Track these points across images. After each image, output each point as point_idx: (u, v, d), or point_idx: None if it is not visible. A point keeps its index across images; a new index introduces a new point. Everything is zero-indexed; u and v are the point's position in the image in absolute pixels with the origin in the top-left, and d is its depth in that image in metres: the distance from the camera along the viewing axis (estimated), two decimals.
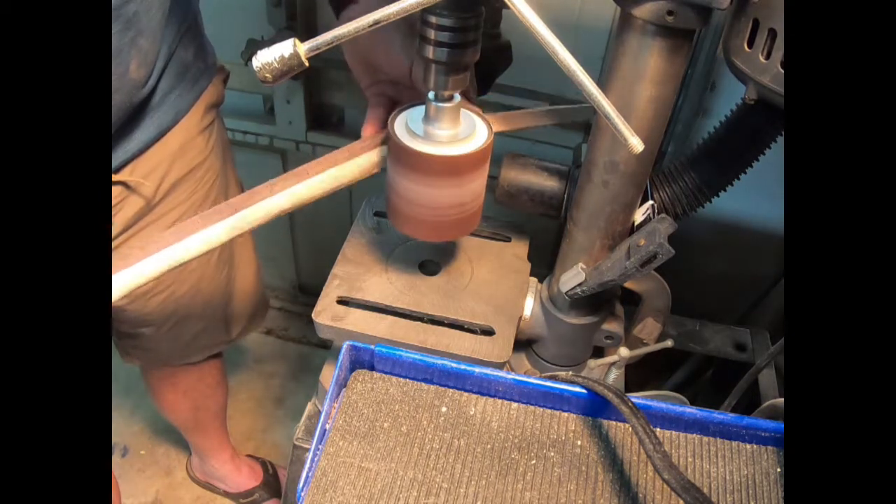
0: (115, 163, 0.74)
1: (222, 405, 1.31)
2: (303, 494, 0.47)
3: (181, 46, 0.75)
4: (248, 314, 1.09)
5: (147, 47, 0.67)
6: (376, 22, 0.44)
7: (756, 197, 1.03)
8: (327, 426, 0.51)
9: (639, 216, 0.63)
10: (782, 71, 0.48)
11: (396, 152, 0.58)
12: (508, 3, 0.43)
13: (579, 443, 0.52)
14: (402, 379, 0.54)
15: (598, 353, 0.76)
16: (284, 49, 0.45)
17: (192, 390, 1.20)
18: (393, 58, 0.62)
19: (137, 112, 0.73)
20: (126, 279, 0.52)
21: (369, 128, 0.64)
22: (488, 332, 0.67)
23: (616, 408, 0.48)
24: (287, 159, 1.44)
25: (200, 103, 0.82)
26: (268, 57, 0.45)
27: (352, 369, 0.55)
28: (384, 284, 0.70)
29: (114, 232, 0.79)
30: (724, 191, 0.65)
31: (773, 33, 0.48)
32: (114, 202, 0.77)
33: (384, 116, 0.65)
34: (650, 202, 0.63)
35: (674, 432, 0.53)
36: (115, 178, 0.75)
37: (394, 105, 0.66)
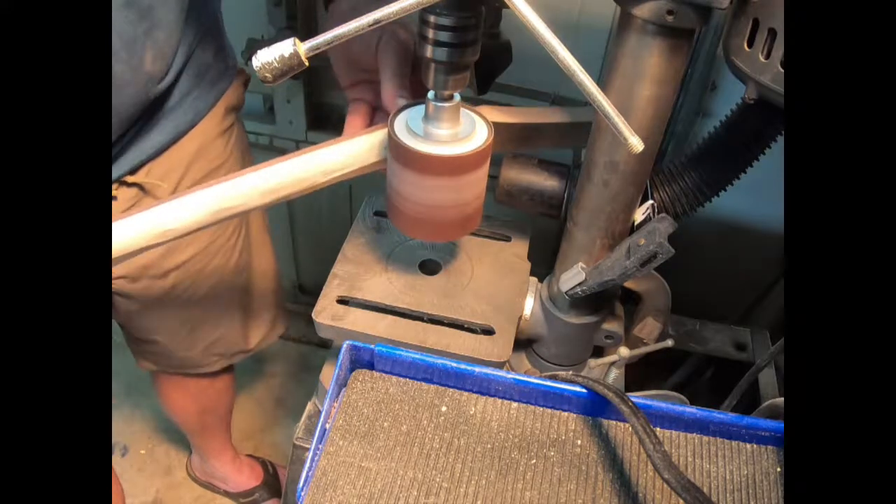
0: (130, 164, 0.73)
1: (229, 409, 1.31)
2: (303, 494, 0.47)
3: (201, 47, 0.74)
4: (268, 322, 1.06)
5: (163, 40, 0.66)
6: (376, 21, 0.44)
7: (756, 197, 1.03)
8: (327, 426, 0.51)
9: (639, 216, 0.63)
10: (782, 70, 0.48)
11: (396, 151, 0.58)
12: (508, 3, 0.43)
13: (579, 442, 0.52)
14: (402, 378, 0.54)
15: (598, 352, 0.76)
16: (284, 49, 0.45)
17: (202, 394, 1.19)
18: (367, 46, 0.62)
19: (154, 112, 0.72)
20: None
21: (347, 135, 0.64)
22: (488, 332, 0.67)
23: (616, 407, 0.48)
24: None
25: (220, 105, 0.80)
26: (268, 56, 0.45)
27: (352, 369, 0.55)
28: (384, 284, 0.70)
29: None
30: (725, 190, 0.65)
31: (773, 33, 0.48)
32: (129, 204, 0.76)
33: (362, 124, 0.65)
34: (650, 202, 0.63)
35: (674, 432, 0.53)
36: (130, 179, 0.74)
37: (373, 112, 0.66)
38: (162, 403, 1.24)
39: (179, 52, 0.70)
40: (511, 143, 0.67)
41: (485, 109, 0.62)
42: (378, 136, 0.62)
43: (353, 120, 0.66)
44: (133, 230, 0.56)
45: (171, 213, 0.57)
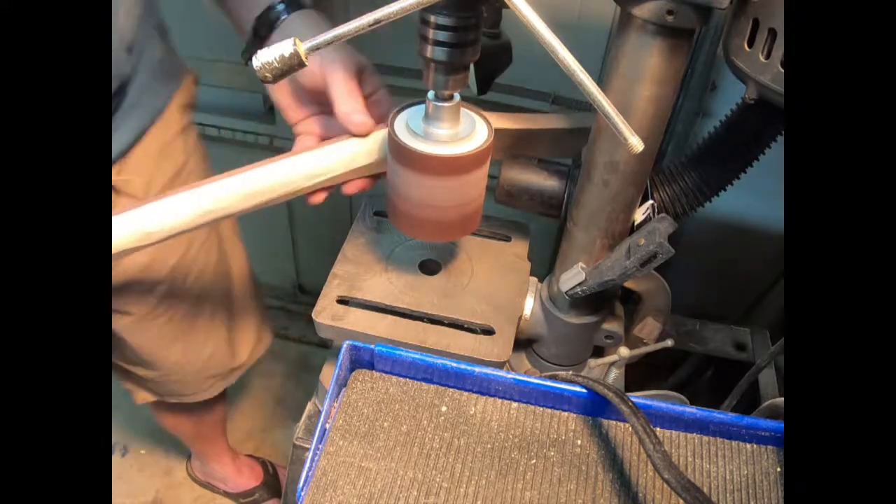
0: None
1: (223, 415, 1.31)
2: (303, 494, 0.47)
3: (152, 45, 0.74)
4: (253, 332, 1.06)
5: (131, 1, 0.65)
6: (376, 21, 0.44)
7: (756, 197, 1.03)
8: (327, 426, 0.51)
9: (639, 216, 0.63)
10: (782, 70, 0.48)
11: (396, 151, 0.58)
12: (508, 3, 0.43)
13: (579, 442, 0.52)
14: (402, 378, 0.54)
15: (598, 352, 0.76)
16: (284, 48, 0.45)
17: (195, 412, 1.19)
18: (311, 70, 0.62)
19: (115, 110, 0.71)
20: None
21: None
22: (488, 332, 0.67)
23: (616, 407, 0.48)
24: None
25: (174, 103, 0.80)
26: (268, 56, 0.45)
27: (352, 369, 0.55)
28: (384, 284, 0.70)
29: None
30: (724, 190, 0.65)
31: (773, 33, 0.48)
32: None
33: None
34: (650, 202, 0.63)
35: (674, 432, 0.53)
36: None
37: (322, 140, 0.66)
38: (154, 415, 1.24)
39: (139, 34, 0.69)
40: (509, 150, 0.67)
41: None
42: (367, 141, 0.62)
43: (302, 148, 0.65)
44: (115, 232, 0.56)
45: (153, 216, 0.57)
